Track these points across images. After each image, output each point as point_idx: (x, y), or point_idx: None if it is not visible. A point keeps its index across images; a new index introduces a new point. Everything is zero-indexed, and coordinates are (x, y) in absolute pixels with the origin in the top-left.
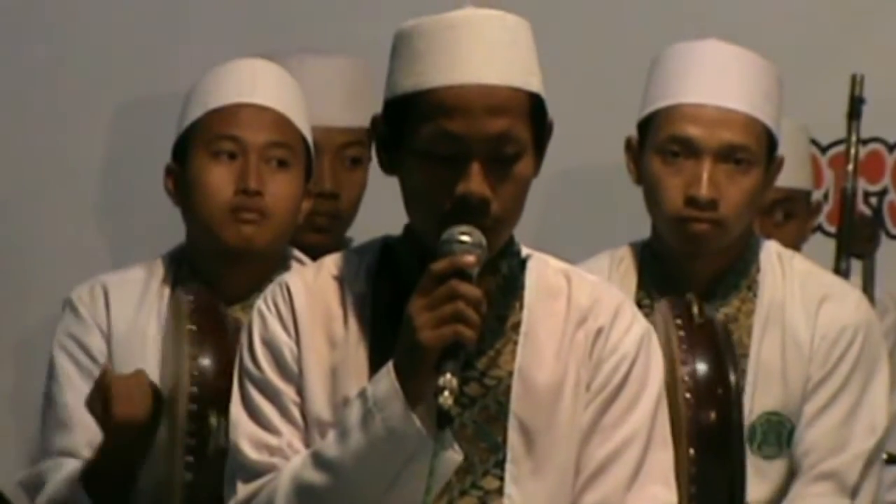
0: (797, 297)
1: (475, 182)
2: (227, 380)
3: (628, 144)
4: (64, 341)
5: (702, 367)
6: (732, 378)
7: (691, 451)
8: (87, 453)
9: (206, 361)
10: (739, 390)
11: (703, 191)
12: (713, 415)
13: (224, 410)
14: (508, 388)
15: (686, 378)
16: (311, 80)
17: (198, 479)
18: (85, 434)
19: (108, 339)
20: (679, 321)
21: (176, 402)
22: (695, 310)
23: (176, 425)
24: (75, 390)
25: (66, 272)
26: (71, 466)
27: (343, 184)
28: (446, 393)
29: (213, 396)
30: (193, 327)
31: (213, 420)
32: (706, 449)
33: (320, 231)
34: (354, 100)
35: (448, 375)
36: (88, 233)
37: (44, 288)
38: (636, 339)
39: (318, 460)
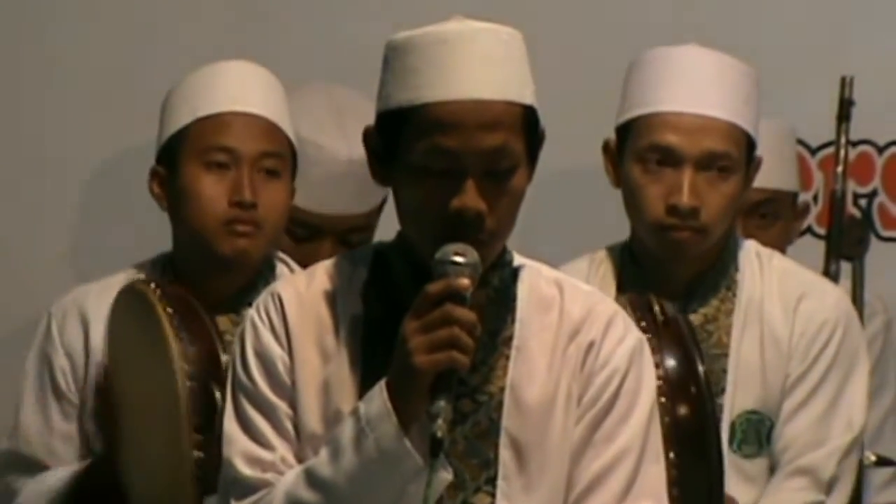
0: (775, 295)
1: (470, 197)
2: (215, 356)
3: (606, 147)
4: (34, 353)
5: (672, 366)
6: (702, 373)
7: (671, 454)
8: (25, 465)
9: (192, 345)
10: (710, 385)
11: (685, 199)
12: (688, 413)
13: (222, 384)
14: (500, 404)
15: (658, 380)
16: (355, 115)
17: (208, 457)
18: (27, 446)
19: (85, 354)
20: (643, 323)
21: (170, 385)
22: (656, 308)
23: (178, 406)
24: (28, 404)
25: (59, 276)
26: (51, 479)
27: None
28: (440, 421)
29: (211, 371)
30: (170, 310)
31: (217, 394)
32: (685, 449)
33: None
34: None
35: (442, 402)
36: (80, 238)
37: (39, 291)
38: (628, 351)
39: (311, 479)
